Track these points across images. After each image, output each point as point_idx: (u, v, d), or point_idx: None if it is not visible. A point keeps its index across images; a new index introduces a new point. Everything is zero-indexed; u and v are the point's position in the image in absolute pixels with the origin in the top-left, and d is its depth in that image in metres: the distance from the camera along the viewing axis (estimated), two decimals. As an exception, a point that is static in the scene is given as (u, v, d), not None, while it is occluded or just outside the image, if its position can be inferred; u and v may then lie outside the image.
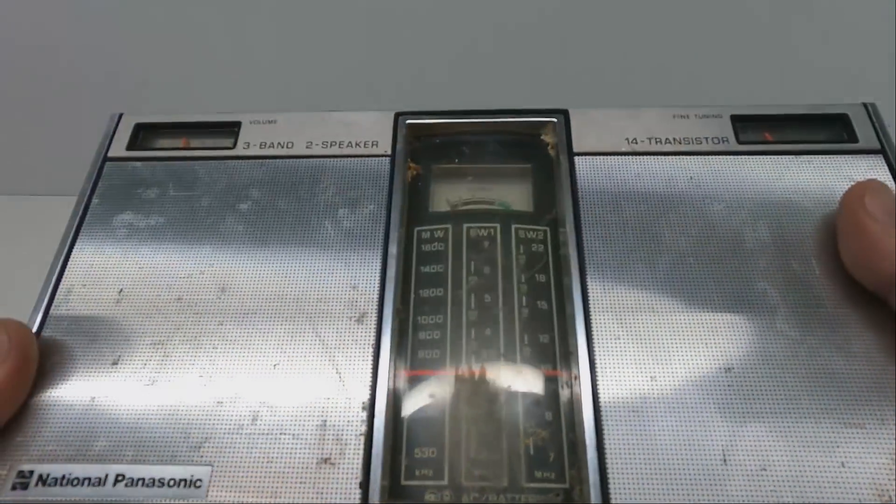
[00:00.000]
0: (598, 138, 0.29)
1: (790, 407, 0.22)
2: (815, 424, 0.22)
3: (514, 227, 0.27)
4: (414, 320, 0.25)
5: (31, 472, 0.22)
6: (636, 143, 0.28)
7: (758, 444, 0.22)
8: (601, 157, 0.28)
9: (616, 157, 0.28)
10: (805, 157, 0.28)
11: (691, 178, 0.27)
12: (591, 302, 0.25)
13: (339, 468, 0.22)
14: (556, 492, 0.22)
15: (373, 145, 0.29)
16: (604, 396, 0.23)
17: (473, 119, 0.30)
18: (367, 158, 0.29)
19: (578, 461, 0.22)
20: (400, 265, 0.26)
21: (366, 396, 0.23)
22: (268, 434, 0.23)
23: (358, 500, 0.21)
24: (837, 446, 0.22)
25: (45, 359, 0.24)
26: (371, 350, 0.24)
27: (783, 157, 0.28)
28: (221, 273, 0.26)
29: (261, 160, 0.29)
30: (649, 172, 0.28)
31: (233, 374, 0.24)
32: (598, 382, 0.23)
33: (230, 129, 0.30)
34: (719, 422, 0.22)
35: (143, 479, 0.22)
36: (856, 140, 0.28)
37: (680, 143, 0.28)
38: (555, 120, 0.29)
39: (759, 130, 0.29)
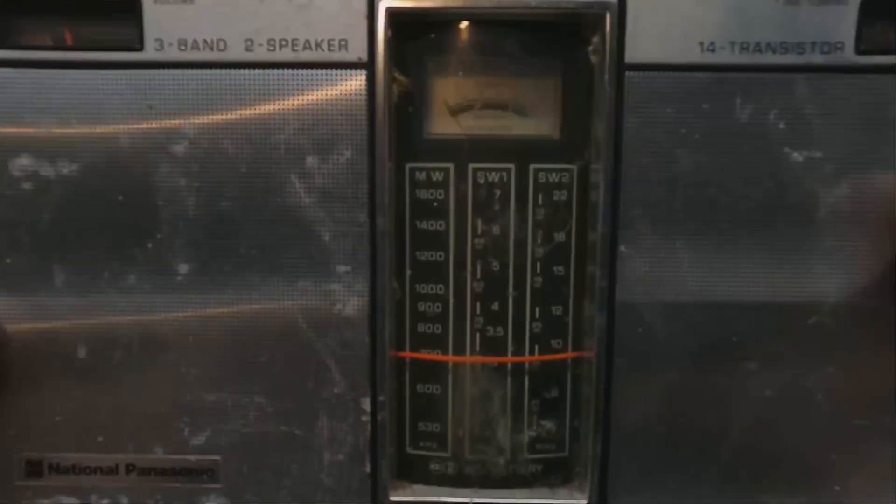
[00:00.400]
0: (662, 40, 0.20)
1: (809, 403, 0.21)
2: (832, 428, 0.22)
3: (532, 168, 0.21)
4: (411, 289, 0.22)
5: (41, 461, 0.22)
6: (712, 49, 0.20)
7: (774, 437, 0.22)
8: (661, 74, 0.20)
9: (682, 73, 0.20)
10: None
11: (774, 112, 0.20)
12: (618, 271, 0.21)
13: (345, 448, 0.22)
14: (556, 463, 0.23)
15: (340, 47, 0.20)
16: (617, 386, 0.22)
17: (483, 3, 0.20)
18: (334, 71, 0.20)
19: (580, 437, 0.22)
20: (392, 238, 0.21)
21: (366, 380, 0.22)
22: (272, 425, 0.22)
23: (368, 491, 0.22)
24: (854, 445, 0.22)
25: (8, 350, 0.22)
26: (367, 333, 0.21)
27: (914, 78, 0.20)
28: (171, 256, 0.21)
29: (184, 70, 0.21)
30: (720, 100, 0.20)
31: (217, 368, 0.22)
32: (614, 367, 0.21)
33: (126, 14, 0.20)
34: (740, 416, 0.22)
35: (154, 469, 0.22)
36: None
37: (774, 50, 0.20)
38: (605, 12, 0.20)
39: (894, 29, 0.20)
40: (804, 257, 0.21)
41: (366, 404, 0.21)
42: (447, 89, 0.22)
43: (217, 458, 0.22)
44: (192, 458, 0.22)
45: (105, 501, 0.22)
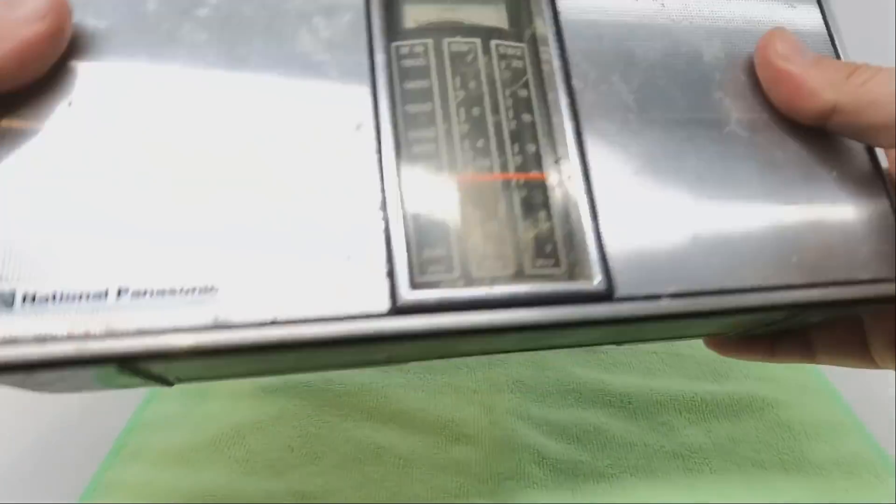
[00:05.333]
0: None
1: (742, 191, 0.26)
2: (763, 204, 0.26)
3: (493, 43, 0.27)
4: (406, 135, 0.25)
5: (13, 292, 0.20)
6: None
7: (728, 227, 0.26)
8: None
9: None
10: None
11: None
12: (578, 109, 0.26)
13: (362, 264, 0.23)
14: (556, 276, 0.25)
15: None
16: (598, 191, 0.25)
17: None
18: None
19: (576, 247, 0.25)
20: (389, 74, 0.25)
21: (378, 197, 0.24)
22: (283, 239, 0.23)
23: (387, 291, 0.23)
24: (782, 223, 0.26)
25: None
26: (375, 155, 0.24)
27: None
28: (193, 98, 0.24)
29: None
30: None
31: (235, 186, 0.23)
32: (591, 179, 0.25)
33: None
34: (694, 205, 0.26)
35: (151, 291, 0.21)
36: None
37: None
38: None
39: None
40: (702, 89, 0.27)
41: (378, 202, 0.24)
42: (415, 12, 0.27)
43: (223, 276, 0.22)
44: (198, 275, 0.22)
45: None
